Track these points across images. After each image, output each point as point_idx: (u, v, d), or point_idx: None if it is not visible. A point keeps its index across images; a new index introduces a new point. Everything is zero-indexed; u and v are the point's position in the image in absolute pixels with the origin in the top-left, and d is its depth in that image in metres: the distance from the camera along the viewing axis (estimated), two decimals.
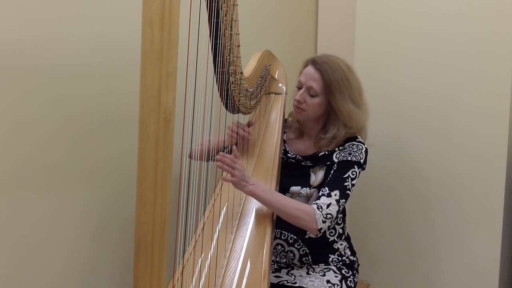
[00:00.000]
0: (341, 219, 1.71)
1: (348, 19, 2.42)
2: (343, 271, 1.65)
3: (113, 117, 1.61)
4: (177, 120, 1.02)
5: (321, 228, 1.49)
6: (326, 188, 1.55)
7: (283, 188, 1.64)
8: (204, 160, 1.56)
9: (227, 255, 1.42)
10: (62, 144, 1.47)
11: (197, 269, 1.37)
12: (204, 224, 1.51)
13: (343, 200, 1.54)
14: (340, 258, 1.68)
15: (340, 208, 1.54)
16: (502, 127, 2.04)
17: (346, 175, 1.57)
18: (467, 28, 2.07)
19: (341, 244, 1.70)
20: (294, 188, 1.65)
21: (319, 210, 1.50)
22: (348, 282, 1.63)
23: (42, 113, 1.41)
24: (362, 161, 1.60)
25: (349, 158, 1.59)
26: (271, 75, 1.87)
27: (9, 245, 1.36)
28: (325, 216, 1.49)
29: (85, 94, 1.51)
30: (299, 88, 1.65)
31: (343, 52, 2.42)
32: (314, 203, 1.52)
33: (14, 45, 1.32)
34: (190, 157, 1.46)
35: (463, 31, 2.08)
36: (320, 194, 1.55)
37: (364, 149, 1.62)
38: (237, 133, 1.64)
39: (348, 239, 1.75)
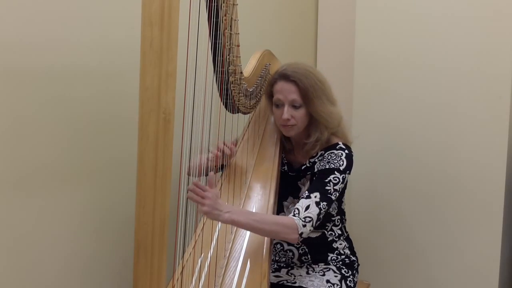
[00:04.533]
0: (339, 220, 1.70)
1: (348, 19, 2.42)
2: (342, 271, 1.65)
3: (112, 117, 1.61)
4: (177, 120, 1.02)
5: (302, 233, 1.44)
6: (306, 192, 1.52)
7: (280, 198, 1.64)
8: (203, 176, 1.57)
9: (227, 255, 1.42)
10: (62, 144, 1.47)
11: (197, 269, 1.37)
12: (203, 224, 1.51)
13: (324, 203, 1.49)
14: (339, 257, 1.68)
15: (322, 211, 1.48)
16: (502, 127, 2.04)
17: (327, 180, 1.53)
18: (467, 28, 2.07)
19: (340, 244, 1.70)
20: (290, 199, 1.66)
21: (296, 216, 1.45)
22: (347, 282, 1.63)
23: (42, 113, 1.41)
24: (342, 167, 1.55)
25: (327, 166, 1.56)
26: (271, 75, 1.87)
27: (9, 244, 1.36)
28: (303, 219, 1.44)
29: (84, 94, 1.51)
30: (278, 106, 1.61)
31: (343, 52, 2.43)
32: (293, 209, 1.48)
33: (14, 45, 1.32)
34: (189, 174, 1.44)
35: (463, 31, 2.08)
36: (300, 197, 1.52)
37: (344, 155, 1.58)
38: (222, 152, 1.60)
39: (348, 239, 1.75)
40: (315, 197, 1.49)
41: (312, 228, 1.47)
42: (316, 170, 1.61)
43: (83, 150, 1.53)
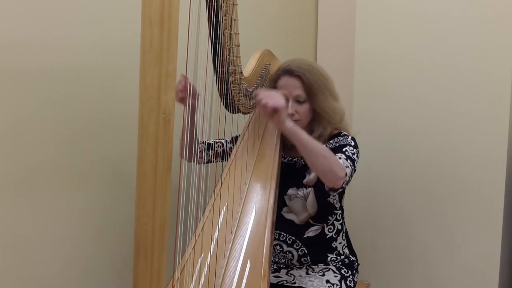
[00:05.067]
0: (340, 215, 1.71)
1: (348, 19, 2.42)
2: (342, 271, 1.65)
3: (112, 117, 1.61)
4: (177, 120, 1.02)
5: (346, 174, 1.44)
6: None
7: (280, 191, 1.64)
8: (192, 161, 1.56)
9: (227, 255, 1.41)
10: (62, 144, 1.47)
11: (196, 269, 1.37)
12: (204, 224, 1.51)
13: (350, 162, 1.49)
14: (338, 258, 1.68)
15: (352, 166, 1.49)
16: (502, 127, 2.04)
17: (343, 150, 1.54)
18: (467, 28, 2.07)
19: (340, 243, 1.70)
20: (291, 191, 1.65)
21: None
22: (347, 282, 1.63)
23: (42, 113, 1.41)
24: (352, 144, 1.58)
25: (337, 145, 1.58)
26: (271, 75, 1.87)
27: (8, 244, 1.36)
28: (342, 163, 1.46)
29: (84, 94, 1.51)
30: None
31: (343, 52, 2.43)
32: None
33: (14, 45, 1.32)
34: (189, 160, 1.44)
35: (463, 31, 2.08)
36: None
37: (350, 137, 1.61)
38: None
39: (347, 236, 1.75)
40: (340, 157, 1.49)
41: (351, 178, 1.48)
42: None
43: (83, 150, 1.53)
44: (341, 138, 1.61)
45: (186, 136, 1.51)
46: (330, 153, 1.46)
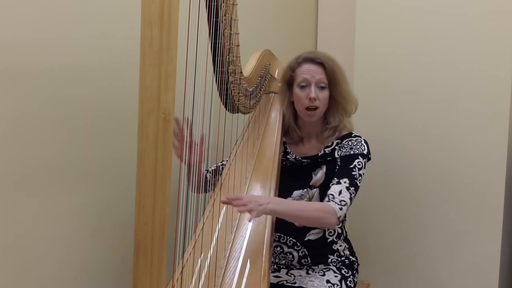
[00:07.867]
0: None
1: (348, 19, 2.42)
2: (342, 271, 1.65)
3: (112, 117, 1.61)
4: None
5: (339, 217, 1.49)
6: (335, 178, 1.56)
7: (286, 192, 1.63)
8: (202, 193, 1.58)
9: (227, 255, 1.41)
10: (61, 144, 1.47)
11: (196, 269, 1.37)
12: (203, 224, 1.51)
13: (353, 188, 1.54)
14: (339, 259, 1.68)
15: (352, 196, 1.53)
16: (502, 127, 2.04)
17: (353, 165, 1.57)
18: (467, 28, 2.07)
19: (341, 245, 1.70)
20: (297, 192, 1.65)
21: (333, 201, 1.50)
22: (347, 282, 1.63)
23: (41, 113, 1.41)
24: (365, 152, 1.61)
25: (351, 152, 1.60)
26: (270, 75, 1.87)
27: (7, 244, 1.36)
28: (339, 203, 1.49)
29: (84, 94, 1.51)
30: (304, 87, 1.61)
31: (343, 52, 2.42)
32: (327, 196, 1.52)
33: (14, 45, 1.32)
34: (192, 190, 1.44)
35: (463, 31, 2.08)
36: (330, 185, 1.55)
37: (362, 141, 1.64)
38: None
39: (347, 240, 1.75)
40: (345, 182, 1.54)
41: (346, 212, 1.52)
42: (337, 156, 1.63)
43: (82, 150, 1.53)
44: (355, 142, 1.62)
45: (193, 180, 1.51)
46: (318, 209, 1.49)
